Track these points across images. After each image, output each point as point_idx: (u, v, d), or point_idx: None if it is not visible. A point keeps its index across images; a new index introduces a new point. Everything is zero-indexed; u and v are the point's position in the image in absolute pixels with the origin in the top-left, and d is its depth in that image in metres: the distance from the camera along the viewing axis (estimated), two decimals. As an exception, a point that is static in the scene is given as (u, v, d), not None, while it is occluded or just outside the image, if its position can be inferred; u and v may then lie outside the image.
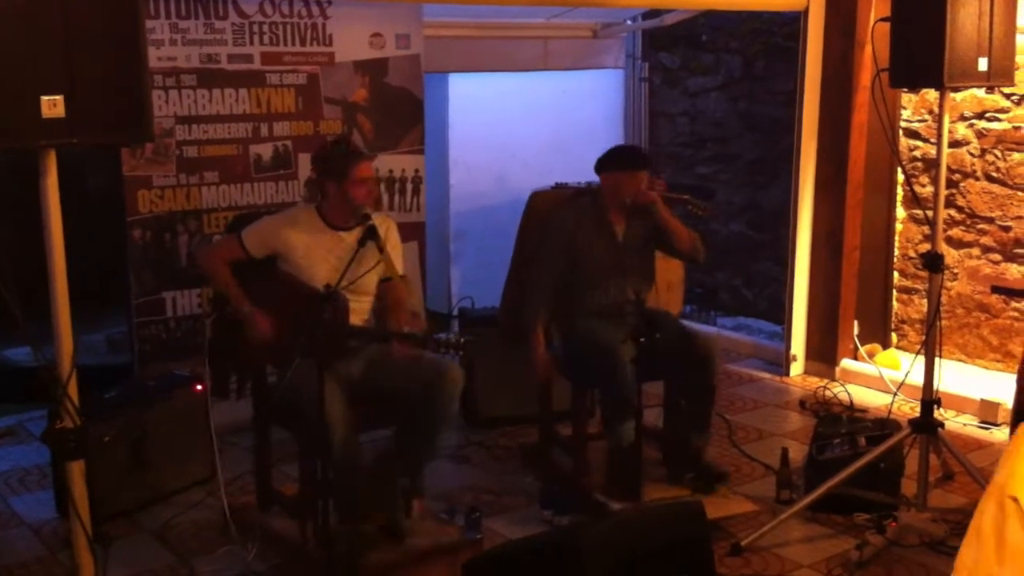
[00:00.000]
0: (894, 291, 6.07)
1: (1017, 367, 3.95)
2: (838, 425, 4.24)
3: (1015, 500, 1.17)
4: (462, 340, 3.42)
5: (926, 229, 5.66)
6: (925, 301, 4.44)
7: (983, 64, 3.70)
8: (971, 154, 5.59)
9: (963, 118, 5.58)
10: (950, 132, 5.37)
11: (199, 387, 4.30)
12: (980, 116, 5.53)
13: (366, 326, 3.80)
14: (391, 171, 5.35)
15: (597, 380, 4.12)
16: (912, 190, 5.69)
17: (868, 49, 5.40)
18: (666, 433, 4.31)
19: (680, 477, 4.11)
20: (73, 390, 2.58)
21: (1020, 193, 5.43)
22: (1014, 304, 5.49)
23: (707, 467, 4.13)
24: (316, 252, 3.72)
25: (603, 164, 4.21)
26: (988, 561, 1.10)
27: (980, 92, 5.46)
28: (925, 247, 4.80)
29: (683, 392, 4.21)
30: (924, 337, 3.98)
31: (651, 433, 4.30)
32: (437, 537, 3.71)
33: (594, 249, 4.18)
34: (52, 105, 2.47)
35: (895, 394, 4.96)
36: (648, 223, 4.20)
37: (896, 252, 6.02)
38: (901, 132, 5.86)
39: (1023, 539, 1.12)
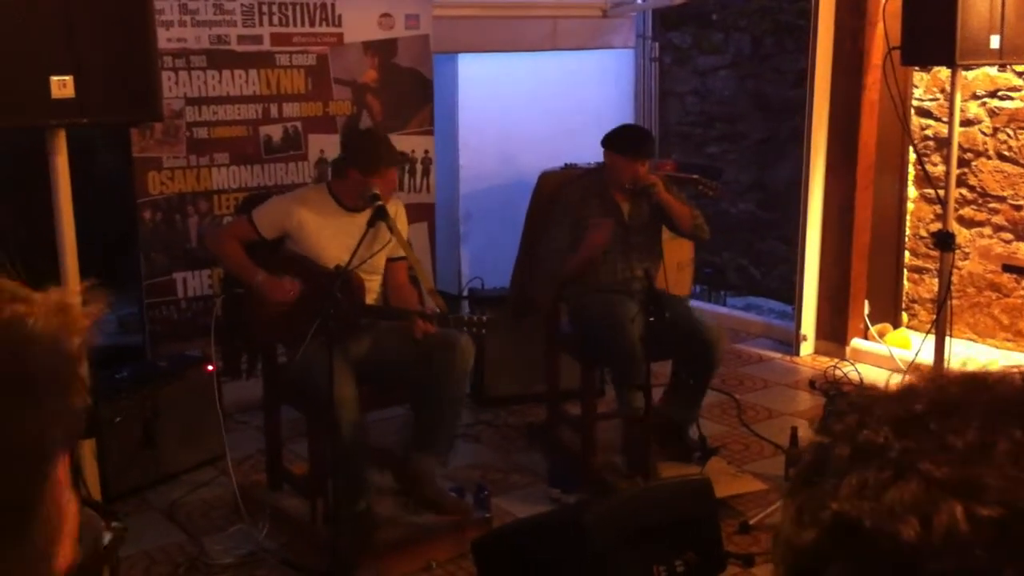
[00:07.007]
0: (905, 270, 6.05)
1: (1027, 346, 3.93)
2: (847, 404, 4.24)
3: None
4: (484, 318, 3.44)
5: (938, 208, 5.63)
6: (936, 280, 4.42)
7: (995, 42, 3.67)
8: (983, 133, 5.56)
9: (975, 96, 5.54)
10: (962, 111, 5.34)
11: (210, 367, 4.31)
12: (992, 95, 5.49)
13: (383, 305, 3.80)
14: (400, 152, 5.35)
15: (606, 354, 4.12)
16: (924, 169, 5.66)
17: (880, 27, 5.36)
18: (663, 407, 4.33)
19: (680, 453, 4.15)
20: (83, 370, 2.60)
21: (1032, 172, 5.40)
22: (1025, 283, 5.48)
23: (690, 442, 4.18)
24: (327, 232, 3.70)
25: (606, 142, 4.20)
26: None
27: (992, 70, 5.42)
28: (936, 226, 4.78)
29: (688, 369, 4.21)
30: (935, 316, 3.97)
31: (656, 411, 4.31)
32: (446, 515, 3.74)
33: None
34: (62, 85, 2.47)
35: (905, 373, 4.95)
36: (651, 202, 4.19)
37: (907, 231, 6.00)
38: (913, 111, 5.82)
39: None
